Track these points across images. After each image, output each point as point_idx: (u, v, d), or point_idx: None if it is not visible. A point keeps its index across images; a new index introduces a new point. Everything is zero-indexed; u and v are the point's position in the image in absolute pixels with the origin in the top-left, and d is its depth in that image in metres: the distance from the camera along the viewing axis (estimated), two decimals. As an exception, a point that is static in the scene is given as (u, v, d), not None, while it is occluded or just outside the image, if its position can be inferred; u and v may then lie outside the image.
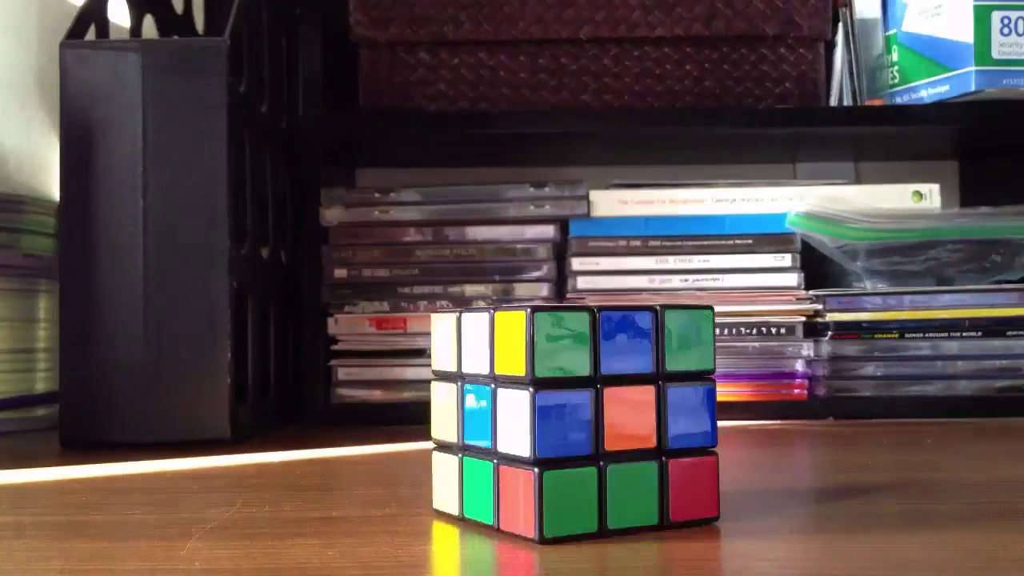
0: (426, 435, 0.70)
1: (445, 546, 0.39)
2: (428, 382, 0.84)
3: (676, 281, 0.82)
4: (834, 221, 0.81)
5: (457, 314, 0.41)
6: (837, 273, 0.84)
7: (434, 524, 0.41)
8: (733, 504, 0.44)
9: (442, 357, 0.42)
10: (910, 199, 0.84)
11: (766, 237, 0.83)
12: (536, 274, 0.83)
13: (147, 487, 0.52)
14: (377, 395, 0.82)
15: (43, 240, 0.79)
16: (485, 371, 0.39)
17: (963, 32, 0.80)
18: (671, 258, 0.83)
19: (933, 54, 0.83)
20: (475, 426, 0.40)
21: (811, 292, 0.82)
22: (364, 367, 0.82)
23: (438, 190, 0.85)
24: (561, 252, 0.84)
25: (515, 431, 0.37)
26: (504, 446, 0.38)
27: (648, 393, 0.39)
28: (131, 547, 0.38)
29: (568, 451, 0.37)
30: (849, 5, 0.88)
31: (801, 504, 0.45)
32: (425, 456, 0.62)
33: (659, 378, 0.39)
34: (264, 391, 0.76)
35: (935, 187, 0.84)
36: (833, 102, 0.86)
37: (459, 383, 0.41)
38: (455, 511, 0.41)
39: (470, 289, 0.83)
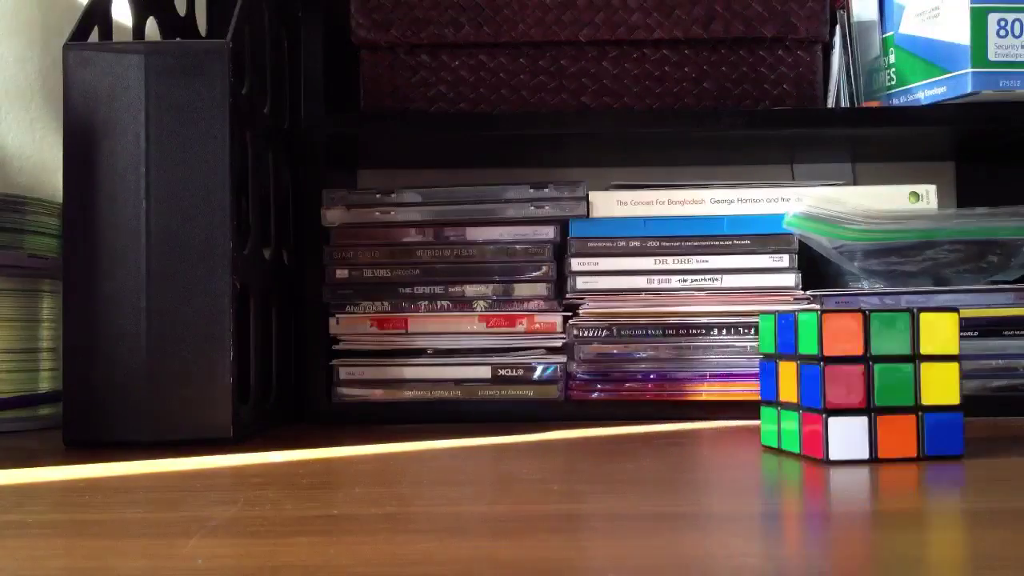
0: (426, 434, 0.70)
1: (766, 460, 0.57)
2: (428, 381, 0.84)
3: (675, 281, 0.83)
4: (831, 222, 0.81)
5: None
6: (834, 274, 0.85)
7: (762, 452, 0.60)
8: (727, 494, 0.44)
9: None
10: (907, 200, 0.84)
11: (764, 238, 0.83)
12: (536, 274, 0.84)
13: (149, 486, 0.52)
14: (378, 395, 0.83)
15: (46, 240, 0.79)
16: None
17: (960, 34, 0.80)
18: (670, 258, 0.83)
19: (930, 56, 0.83)
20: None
21: (808, 292, 0.82)
22: (365, 367, 0.83)
23: (439, 191, 0.85)
24: (561, 252, 0.84)
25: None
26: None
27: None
28: (133, 545, 0.38)
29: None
30: (846, 7, 0.88)
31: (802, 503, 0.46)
32: (425, 456, 0.62)
33: (915, 358, 0.57)
34: (266, 391, 0.76)
35: (932, 188, 0.85)
36: (831, 104, 0.86)
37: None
38: (774, 444, 0.61)
39: (470, 289, 0.84)
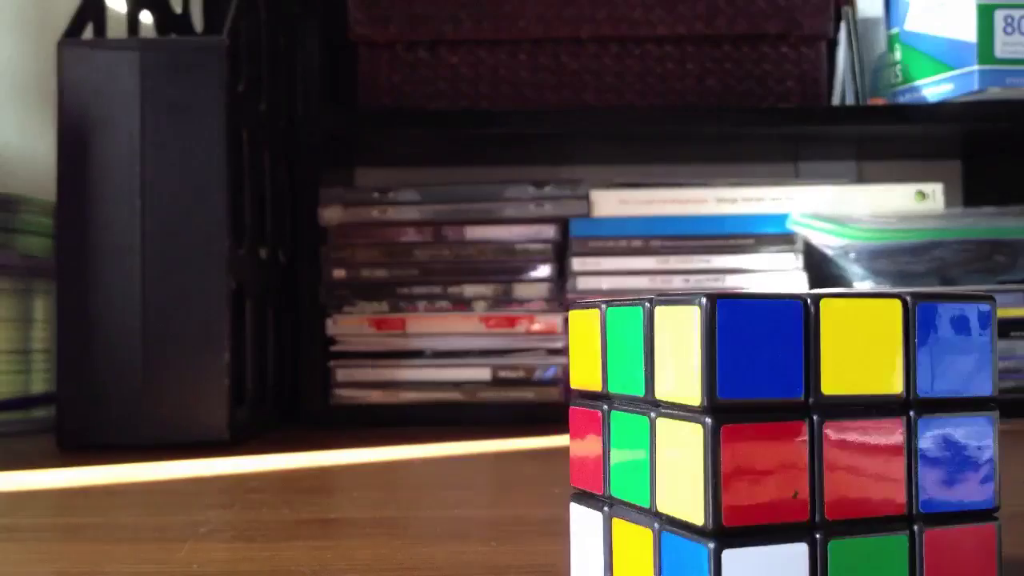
0: (425, 437, 0.70)
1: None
2: (427, 383, 0.84)
3: (677, 281, 0.82)
4: (837, 221, 0.80)
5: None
6: (840, 273, 0.84)
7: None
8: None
9: None
10: (913, 199, 0.83)
11: (768, 237, 0.82)
12: (536, 274, 0.83)
13: (144, 489, 0.52)
14: (376, 396, 0.82)
15: (39, 240, 0.78)
16: None
17: (966, 31, 0.80)
18: (672, 258, 0.82)
19: (936, 53, 0.82)
20: None
21: (814, 293, 0.81)
22: (363, 368, 0.82)
23: (437, 190, 0.84)
24: (561, 252, 0.84)
25: None
26: None
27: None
28: (128, 549, 0.38)
29: None
30: (851, 3, 0.87)
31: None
32: (424, 459, 0.62)
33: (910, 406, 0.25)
34: (262, 392, 0.76)
35: (938, 187, 0.84)
36: (836, 101, 0.86)
37: None
38: None
39: (470, 290, 0.83)
